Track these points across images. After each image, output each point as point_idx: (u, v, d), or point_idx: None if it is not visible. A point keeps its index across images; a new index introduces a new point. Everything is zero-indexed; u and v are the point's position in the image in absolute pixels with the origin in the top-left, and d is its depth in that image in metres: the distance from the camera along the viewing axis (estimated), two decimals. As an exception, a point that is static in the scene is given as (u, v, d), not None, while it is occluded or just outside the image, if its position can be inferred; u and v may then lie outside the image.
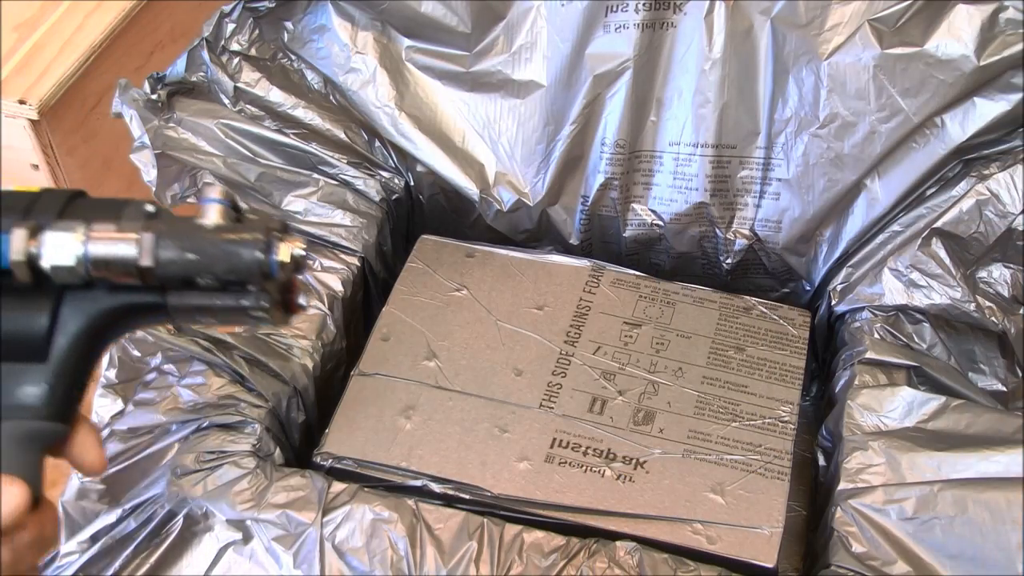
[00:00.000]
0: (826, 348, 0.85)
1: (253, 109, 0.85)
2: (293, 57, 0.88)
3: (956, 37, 0.73)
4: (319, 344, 0.76)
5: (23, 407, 0.39)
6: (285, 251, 0.38)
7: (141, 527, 0.65)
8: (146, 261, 0.38)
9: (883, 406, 0.69)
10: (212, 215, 0.39)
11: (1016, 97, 0.74)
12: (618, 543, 0.64)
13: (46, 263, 0.38)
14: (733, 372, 0.77)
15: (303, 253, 0.39)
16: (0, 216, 0.38)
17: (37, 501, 0.38)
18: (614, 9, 0.80)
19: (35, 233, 0.38)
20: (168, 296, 0.39)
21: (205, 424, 0.68)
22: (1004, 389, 0.75)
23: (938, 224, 0.76)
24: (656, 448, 0.72)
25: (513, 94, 0.85)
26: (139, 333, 0.72)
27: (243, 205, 0.40)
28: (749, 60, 0.79)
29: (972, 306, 0.75)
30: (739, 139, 0.82)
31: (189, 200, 0.80)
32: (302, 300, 0.41)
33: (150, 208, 0.39)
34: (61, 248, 0.38)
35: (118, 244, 0.38)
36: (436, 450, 0.71)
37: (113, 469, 0.68)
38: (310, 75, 0.89)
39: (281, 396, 0.72)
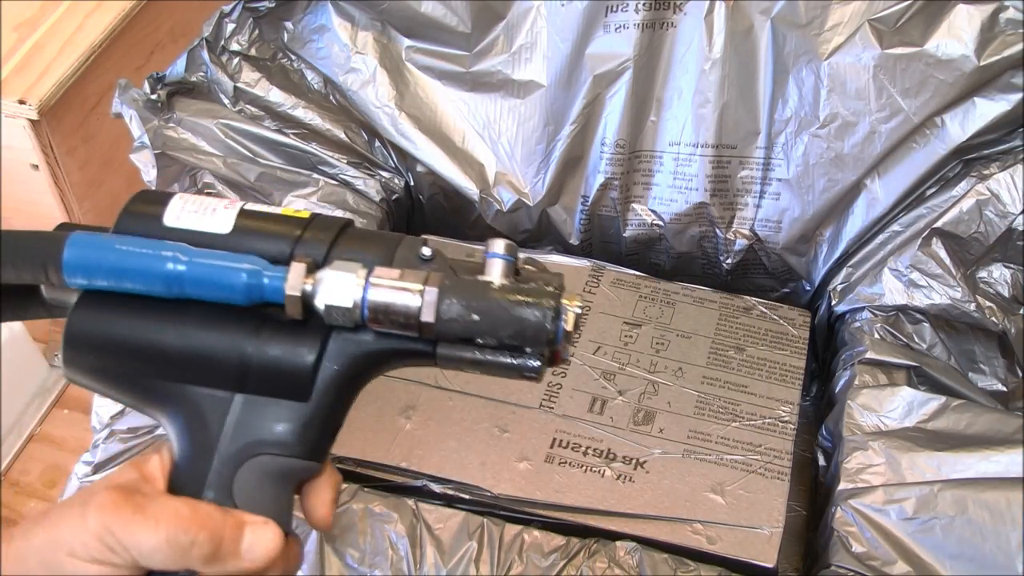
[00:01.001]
0: (826, 348, 0.85)
1: (253, 109, 0.85)
2: (293, 57, 0.88)
3: (956, 37, 0.73)
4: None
5: (277, 443, 0.38)
6: (571, 318, 0.37)
7: (141, 527, 0.65)
8: (427, 317, 0.36)
9: (883, 406, 0.69)
10: (496, 272, 0.37)
11: (1016, 97, 0.74)
12: (618, 543, 0.64)
13: (321, 302, 0.36)
14: (733, 372, 0.77)
15: (580, 311, 0.38)
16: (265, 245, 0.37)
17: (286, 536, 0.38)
18: (614, 9, 0.80)
19: (312, 269, 0.37)
20: (439, 347, 0.38)
21: (205, 424, 0.68)
22: (1004, 389, 0.75)
23: (938, 224, 0.76)
24: (656, 448, 0.72)
25: (513, 94, 0.85)
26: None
27: (522, 255, 0.38)
28: (749, 60, 0.79)
29: (972, 306, 0.75)
30: (739, 139, 0.82)
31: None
32: (567, 353, 0.39)
33: (426, 251, 0.38)
34: (339, 289, 0.36)
35: (400, 294, 0.36)
36: (436, 450, 0.71)
37: (113, 469, 0.68)
38: (310, 75, 0.89)
39: (281, 396, 0.72)
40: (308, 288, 0.36)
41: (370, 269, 0.37)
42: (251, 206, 0.39)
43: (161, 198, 0.39)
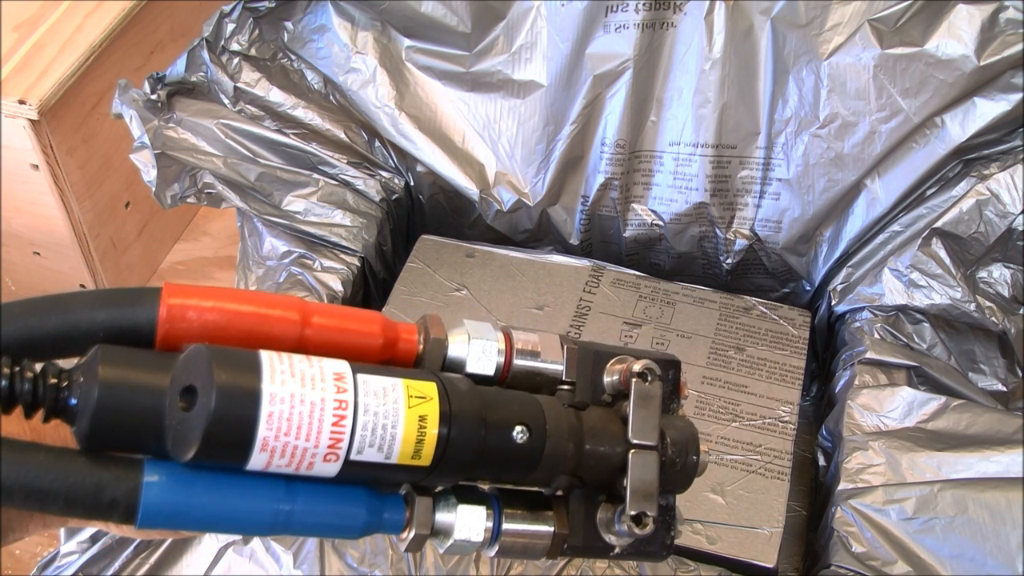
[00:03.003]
0: (826, 348, 0.85)
1: (253, 109, 0.85)
2: (293, 57, 0.88)
3: (956, 37, 0.73)
4: (319, 344, 0.76)
5: None
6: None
7: (141, 527, 0.65)
8: (551, 555, 0.36)
9: (883, 406, 0.69)
10: (622, 536, 0.36)
11: (1016, 97, 0.74)
12: (618, 543, 0.64)
13: (447, 538, 0.34)
14: (733, 372, 0.77)
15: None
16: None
17: None
18: (614, 9, 0.80)
19: (435, 502, 0.34)
20: None
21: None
22: (1004, 389, 0.75)
23: (938, 224, 0.76)
24: (656, 448, 0.72)
25: (513, 94, 0.85)
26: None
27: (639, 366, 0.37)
28: (749, 60, 0.79)
29: (972, 306, 0.75)
30: (739, 139, 0.82)
31: (189, 200, 0.80)
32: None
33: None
34: (470, 525, 0.34)
35: (532, 529, 0.35)
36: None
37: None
38: (310, 75, 0.89)
39: (281, 396, 0.72)
40: (436, 521, 0.34)
41: (497, 500, 0.35)
42: (357, 454, 0.31)
43: (246, 417, 0.28)
